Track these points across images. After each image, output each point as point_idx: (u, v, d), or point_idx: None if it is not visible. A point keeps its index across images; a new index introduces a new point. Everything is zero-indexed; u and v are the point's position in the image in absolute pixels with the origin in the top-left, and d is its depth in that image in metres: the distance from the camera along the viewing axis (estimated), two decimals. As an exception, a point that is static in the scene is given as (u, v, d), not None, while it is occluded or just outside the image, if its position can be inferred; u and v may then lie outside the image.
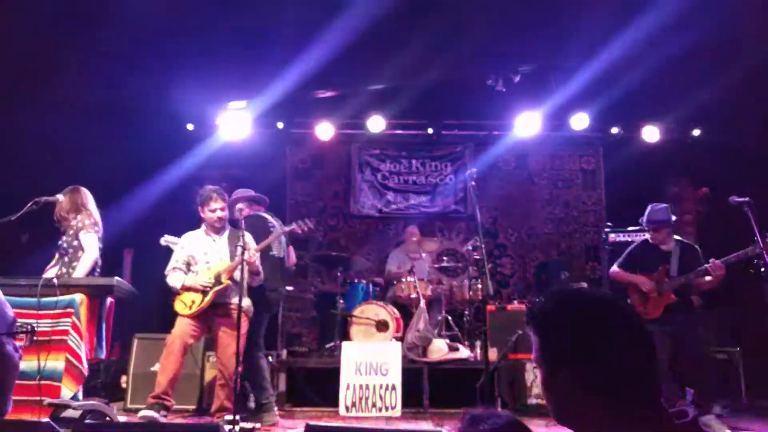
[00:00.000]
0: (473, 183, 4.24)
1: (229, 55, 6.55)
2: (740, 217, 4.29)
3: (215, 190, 4.58)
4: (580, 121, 7.33)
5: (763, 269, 4.02)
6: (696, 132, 7.41)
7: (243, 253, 4.09)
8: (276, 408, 4.61)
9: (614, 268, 4.99)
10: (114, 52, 6.13)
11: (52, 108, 6.27)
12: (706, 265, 4.46)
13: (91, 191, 4.82)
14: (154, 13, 5.93)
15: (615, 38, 6.10)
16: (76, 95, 6.35)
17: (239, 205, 4.88)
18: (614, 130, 7.55)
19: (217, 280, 4.39)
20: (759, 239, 4.07)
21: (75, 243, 4.26)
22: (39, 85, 6.14)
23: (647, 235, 5.77)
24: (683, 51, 6.07)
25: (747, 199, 4.20)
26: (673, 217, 4.85)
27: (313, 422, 2.82)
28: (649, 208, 4.94)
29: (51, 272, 4.18)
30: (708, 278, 4.48)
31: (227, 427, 3.36)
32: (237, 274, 4.34)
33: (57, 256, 4.26)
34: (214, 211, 4.54)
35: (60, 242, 4.25)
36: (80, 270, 4.17)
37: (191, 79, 6.85)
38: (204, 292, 4.37)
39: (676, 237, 4.88)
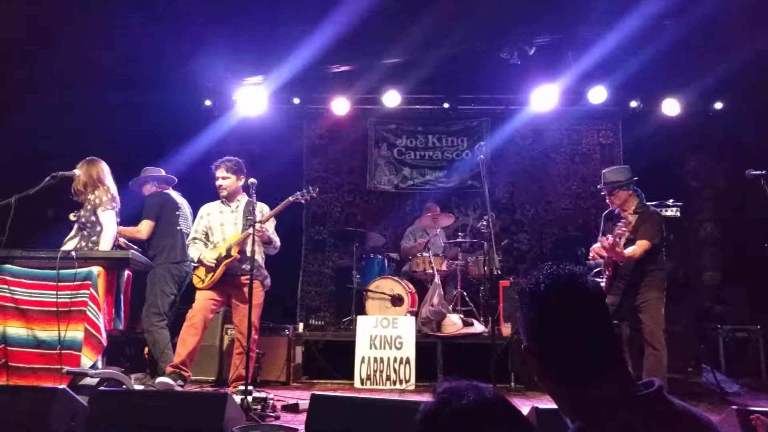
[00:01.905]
0: (482, 157, 4.21)
1: (246, 30, 6.56)
2: (761, 191, 4.22)
3: (223, 162, 4.67)
4: (598, 95, 7.20)
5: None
6: (718, 105, 7.24)
7: (254, 226, 4.14)
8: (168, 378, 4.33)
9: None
10: (132, 28, 6.19)
11: (73, 80, 6.35)
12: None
13: (110, 165, 4.93)
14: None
15: (633, 8, 5.97)
16: (96, 69, 6.42)
17: (148, 186, 5.15)
18: (633, 104, 7.41)
19: (228, 253, 4.46)
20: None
21: (93, 218, 4.32)
22: (58, 57, 6.21)
23: (670, 211, 5.71)
24: (703, 22, 5.93)
25: (764, 172, 4.11)
26: (621, 179, 4.49)
27: (318, 392, 2.88)
28: (603, 171, 4.69)
29: (70, 244, 4.27)
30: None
31: (239, 397, 3.44)
32: (249, 246, 4.40)
33: (76, 228, 4.35)
34: (217, 180, 4.62)
35: (78, 215, 4.32)
36: (102, 247, 4.26)
37: (208, 55, 6.88)
38: (216, 265, 4.45)
39: (644, 204, 4.56)
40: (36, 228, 4.91)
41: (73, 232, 4.41)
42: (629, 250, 4.17)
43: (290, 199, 4.61)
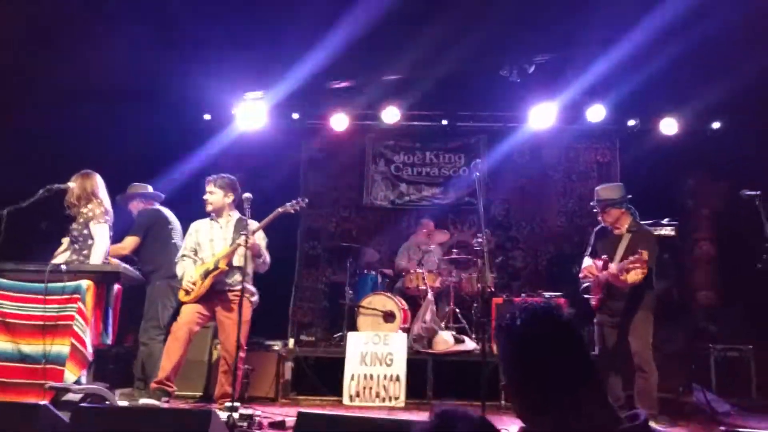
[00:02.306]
0: (478, 173, 4.21)
1: (246, 45, 6.60)
2: (756, 212, 4.20)
3: (216, 177, 4.71)
4: (596, 113, 7.21)
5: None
6: (715, 125, 7.24)
7: (246, 241, 4.14)
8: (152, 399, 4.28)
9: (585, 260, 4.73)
10: (133, 41, 6.23)
11: (72, 94, 6.39)
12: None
13: (108, 179, 4.96)
14: (172, 4, 6.03)
15: (632, 28, 5.99)
16: (96, 82, 6.47)
17: (135, 203, 5.17)
18: (631, 123, 7.42)
19: (215, 266, 4.46)
20: (768, 232, 3.97)
21: (85, 231, 4.32)
22: (59, 70, 6.26)
23: (665, 230, 5.68)
24: (702, 41, 5.94)
25: (758, 192, 4.10)
26: (615, 196, 4.48)
27: (304, 410, 2.86)
28: (597, 188, 4.67)
29: (60, 258, 4.28)
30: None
31: (225, 414, 3.42)
32: (238, 260, 4.40)
33: (68, 241, 4.35)
34: (204, 194, 4.64)
35: (70, 228, 4.33)
36: (93, 261, 4.26)
37: (208, 69, 6.92)
38: (203, 277, 4.44)
39: (637, 222, 4.55)
40: (30, 241, 4.92)
41: (64, 245, 4.42)
42: (631, 278, 4.07)
43: (279, 210, 4.60)
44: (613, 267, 4.19)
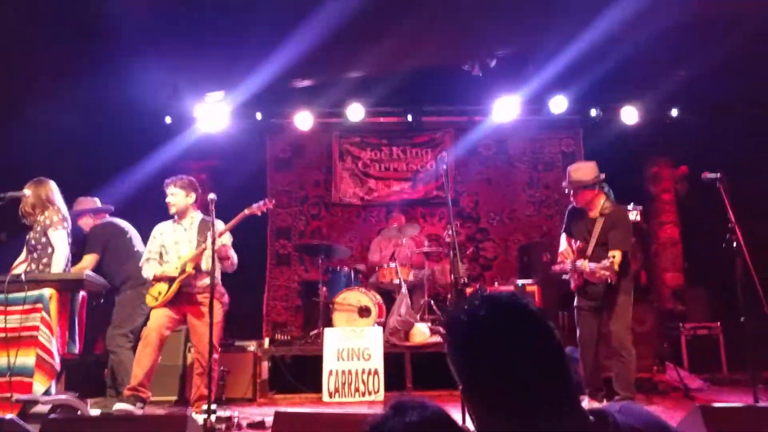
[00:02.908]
0: (445, 166, 4.18)
1: (207, 45, 6.48)
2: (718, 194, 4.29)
3: (175, 179, 4.60)
4: (558, 104, 7.31)
5: (735, 244, 4.01)
6: (674, 112, 7.40)
7: (213, 242, 4.05)
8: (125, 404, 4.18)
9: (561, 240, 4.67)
10: (93, 46, 6.07)
11: (26, 94, 6.18)
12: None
13: (69, 184, 4.81)
14: (133, 7, 5.88)
15: (592, 18, 6.08)
16: (57, 87, 6.27)
17: (84, 219, 5.04)
18: (593, 112, 7.52)
19: (183, 269, 4.36)
20: (731, 215, 4.06)
21: (43, 240, 4.20)
22: (9, 68, 6.04)
23: (630, 215, 5.75)
24: (661, 30, 6.07)
25: (718, 175, 4.17)
26: (602, 175, 4.35)
27: (282, 409, 2.80)
28: (569, 168, 4.52)
29: (20, 268, 4.12)
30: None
31: (201, 417, 3.34)
32: (205, 262, 4.31)
33: (25, 251, 4.20)
34: (166, 197, 4.54)
35: (27, 237, 4.18)
36: (54, 269, 4.14)
37: (167, 71, 6.78)
38: (170, 282, 4.34)
39: (612, 203, 4.46)
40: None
41: (23, 256, 4.26)
42: (607, 269, 3.98)
43: (246, 211, 4.52)
44: (586, 265, 4.12)
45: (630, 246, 4.23)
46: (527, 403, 1.10)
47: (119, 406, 3.96)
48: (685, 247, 7.33)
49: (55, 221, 4.22)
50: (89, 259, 4.76)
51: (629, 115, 7.38)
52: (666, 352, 5.51)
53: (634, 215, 5.57)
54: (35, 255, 4.16)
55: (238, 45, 6.43)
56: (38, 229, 4.21)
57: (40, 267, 4.13)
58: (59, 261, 4.20)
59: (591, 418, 1.13)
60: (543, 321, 1.18)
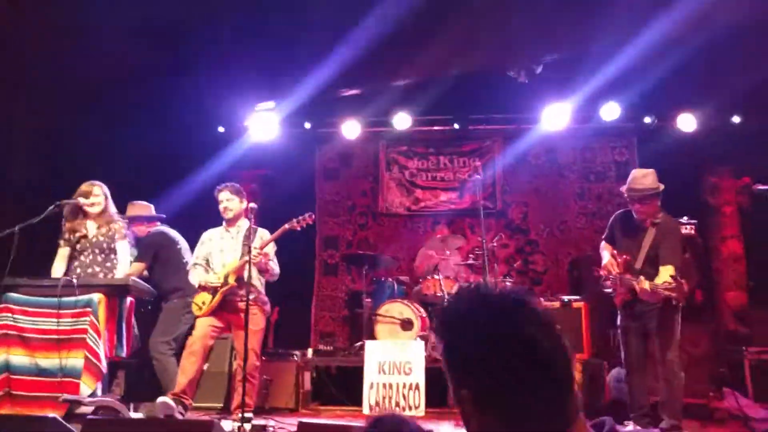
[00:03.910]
0: (479, 176, 4.10)
1: (258, 56, 6.64)
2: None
3: (225, 187, 4.68)
4: (610, 112, 7.08)
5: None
6: (736, 119, 7.05)
7: (249, 252, 4.13)
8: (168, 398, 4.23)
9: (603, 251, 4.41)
10: (145, 55, 6.29)
11: (82, 107, 6.46)
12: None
13: (123, 192, 5.03)
14: (184, 18, 6.08)
15: (646, 22, 5.88)
16: (110, 95, 6.54)
17: (137, 225, 5.17)
18: (647, 120, 7.26)
19: (226, 280, 4.44)
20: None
21: (113, 245, 4.47)
22: (69, 78, 6.31)
23: (684, 229, 5.47)
24: (720, 34, 5.81)
25: (770, 187, 3.93)
26: (661, 186, 4.09)
27: (305, 420, 2.82)
28: (631, 174, 4.26)
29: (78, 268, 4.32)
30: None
31: (233, 424, 3.38)
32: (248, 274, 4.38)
33: (89, 253, 4.38)
34: (220, 204, 4.63)
35: (96, 238, 4.37)
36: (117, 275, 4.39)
37: (221, 82, 6.97)
38: (214, 292, 4.44)
39: (665, 214, 4.19)
40: (43, 256, 4.94)
41: (62, 253, 4.43)
42: (673, 290, 3.76)
43: (286, 226, 4.58)
44: (645, 284, 3.85)
45: (681, 261, 4.00)
46: (527, 408, 1.06)
47: (162, 399, 4.06)
48: (749, 264, 6.94)
49: (123, 233, 4.52)
50: (137, 267, 4.92)
51: (687, 122, 7.08)
52: (725, 378, 5.17)
53: (688, 229, 5.30)
54: (101, 257, 4.35)
55: (288, 54, 6.55)
56: (109, 233, 4.44)
57: (104, 270, 4.35)
58: (123, 270, 4.45)
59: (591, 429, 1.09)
60: (545, 321, 1.11)
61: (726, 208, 7.04)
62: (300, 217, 4.55)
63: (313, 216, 4.66)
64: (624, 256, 4.13)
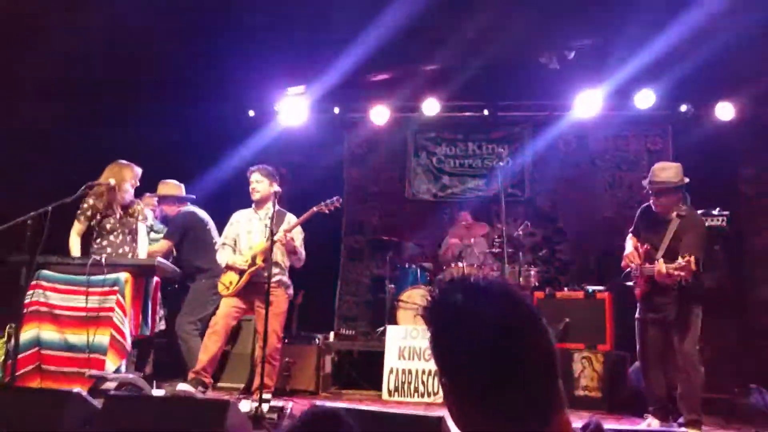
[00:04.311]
0: (501, 164, 4.06)
1: (288, 41, 6.67)
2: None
3: (257, 168, 4.75)
4: (645, 99, 6.91)
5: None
6: (775, 108, 6.80)
7: (272, 235, 4.20)
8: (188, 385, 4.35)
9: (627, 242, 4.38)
10: (179, 39, 6.37)
11: (118, 86, 6.59)
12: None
13: (154, 175, 5.15)
14: (219, 6, 6.15)
15: (681, 7, 5.71)
16: (142, 77, 6.65)
17: (168, 205, 5.29)
18: (683, 108, 7.05)
19: (253, 261, 4.52)
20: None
21: (134, 227, 4.61)
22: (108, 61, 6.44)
23: (715, 221, 5.34)
24: (759, 19, 5.60)
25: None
26: (684, 180, 4.04)
27: (319, 402, 2.86)
28: (654, 166, 4.22)
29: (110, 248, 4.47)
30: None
31: (251, 405, 3.46)
32: (274, 254, 4.44)
33: (118, 233, 4.51)
34: (251, 185, 4.70)
35: (123, 219, 4.52)
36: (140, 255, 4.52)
37: (252, 65, 7.02)
38: (240, 273, 4.52)
39: (688, 206, 4.13)
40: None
41: (114, 237, 4.56)
42: (682, 269, 3.70)
43: (314, 209, 4.64)
44: (662, 266, 3.81)
45: (703, 254, 3.91)
46: (502, 400, 1.04)
47: (182, 386, 4.19)
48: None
49: (144, 215, 4.68)
50: (164, 245, 5.04)
51: (724, 111, 6.86)
52: (751, 373, 5.05)
53: (719, 221, 5.16)
54: (116, 240, 4.48)
55: (318, 37, 6.56)
56: (135, 215, 4.59)
57: (123, 252, 4.46)
58: (143, 250, 4.58)
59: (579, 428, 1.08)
60: (531, 311, 1.11)
61: (763, 199, 6.81)
62: (328, 201, 4.60)
63: (341, 200, 4.71)
64: (645, 246, 4.07)
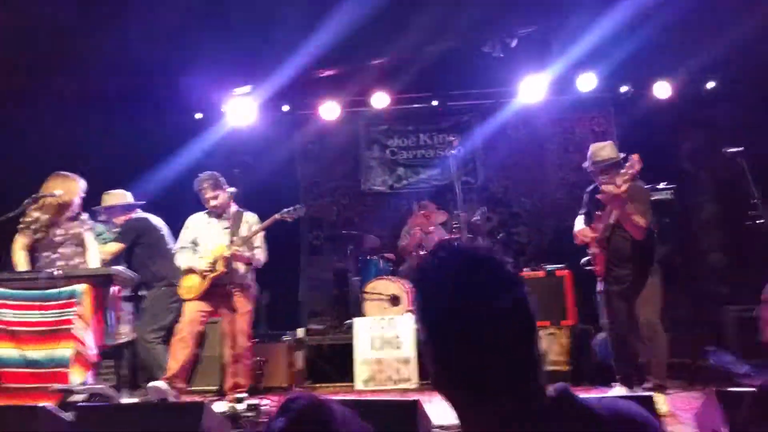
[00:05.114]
0: (453, 152, 4.14)
1: (233, 41, 6.57)
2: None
3: (206, 180, 4.65)
4: (587, 82, 7.13)
5: (760, 221, 3.86)
6: (710, 85, 7.14)
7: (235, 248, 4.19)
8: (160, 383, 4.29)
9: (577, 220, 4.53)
10: (122, 39, 6.19)
11: (60, 96, 6.36)
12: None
13: (99, 180, 4.97)
14: (162, 5, 6.00)
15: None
16: (86, 84, 6.44)
17: (116, 213, 5.14)
18: (623, 89, 7.33)
19: (214, 266, 4.45)
20: (754, 190, 3.89)
21: (77, 239, 4.45)
22: (48, 75, 6.22)
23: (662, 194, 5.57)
24: (690, 4, 5.86)
25: (741, 149, 4.01)
26: (621, 155, 4.18)
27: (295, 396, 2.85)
28: (590, 149, 4.40)
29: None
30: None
31: (227, 405, 3.42)
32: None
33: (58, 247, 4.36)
34: (207, 201, 4.62)
35: (56, 233, 4.34)
36: (91, 266, 4.36)
37: (197, 68, 6.89)
38: (203, 276, 4.44)
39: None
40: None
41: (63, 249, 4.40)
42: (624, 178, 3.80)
43: (277, 216, 4.62)
44: (608, 188, 3.95)
45: (650, 218, 4.06)
46: (482, 367, 1.03)
47: (154, 384, 4.08)
48: (728, 226, 7.04)
49: (88, 224, 4.51)
50: (114, 247, 4.87)
51: (662, 89, 7.15)
52: (707, 338, 5.29)
53: (666, 195, 5.40)
54: (67, 251, 4.33)
55: (264, 37, 6.49)
56: (73, 231, 4.39)
57: (75, 264, 4.31)
58: (94, 259, 4.43)
59: (551, 392, 1.07)
60: (508, 276, 1.10)
61: (702, 172, 7.15)
62: (291, 209, 4.57)
63: (304, 209, 4.68)
64: (597, 213, 4.20)
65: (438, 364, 1.09)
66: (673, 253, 5.34)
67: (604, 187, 4.06)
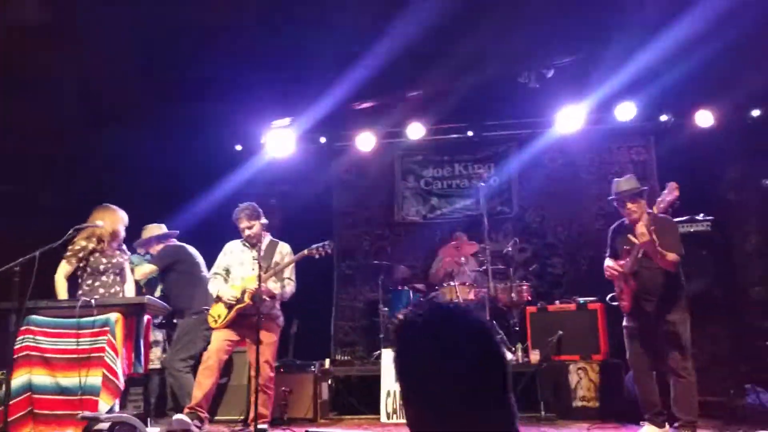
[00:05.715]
0: (483, 184, 4.14)
1: (273, 74, 6.78)
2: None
3: (243, 210, 4.77)
4: (626, 111, 7.01)
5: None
6: (755, 113, 6.90)
7: (260, 278, 4.25)
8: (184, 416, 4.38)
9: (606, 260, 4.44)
10: (168, 79, 6.49)
11: (107, 126, 6.66)
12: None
13: (142, 212, 5.19)
14: (200, 37, 6.26)
15: (659, 21, 5.85)
16: (127, 109, 6.73)
17: (152, 245, 5.33)
18: (664, 118, 7.16)
19: (242, 296, 4.54)
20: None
21: (119, 269, 4.62)
22: (88, 93, 6.52)
23: (700, 226, 5.41)
24: (736, 28, 5.73)
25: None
26: (644, 187, 4.26)
27: (312, 429, 2.87)
28: (613, 183, 4.40)
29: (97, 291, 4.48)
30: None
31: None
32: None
33: (101, 275, 4.53)
34: (242, 231, 4.74)
35: (105, 262, 4.52)
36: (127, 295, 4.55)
37: (237, 100, 7.13)
38: (229, 307, 4.54)
39: (651, 211, 4.16)
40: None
41: (106, 278, 4.57)
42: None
43: (305, 252, 4.71)
44: (639, 229, 3.90)
45: (680, 250, 3.99)
46: (454, 402, 1.10)
47: (177, 416, 4.17)
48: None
49: (127, 255, 4.71)
50: (148, 268, 5.08)
51: (704, 118, 6.95)
52: (746, 375, 5.05)
53: (704, 226, 5.22)
54: (108, 280, 4.49)
55: (302, 70, 6.68)
56: (115, 260, 4.56)
57: (115, 292, 4.49)
58: (131, 289, 4.63)
59: None
60: (480, 324, 1.18)
61: (747, 203, 6.88)
62: (319, 245, 4.65)
63: (332, 245, 4.74)
64: (626, 248, 4.13)
65: (411, 408, 1.17)
66: (712, 286, 5.14)
67: (638, 232, 3.97)
